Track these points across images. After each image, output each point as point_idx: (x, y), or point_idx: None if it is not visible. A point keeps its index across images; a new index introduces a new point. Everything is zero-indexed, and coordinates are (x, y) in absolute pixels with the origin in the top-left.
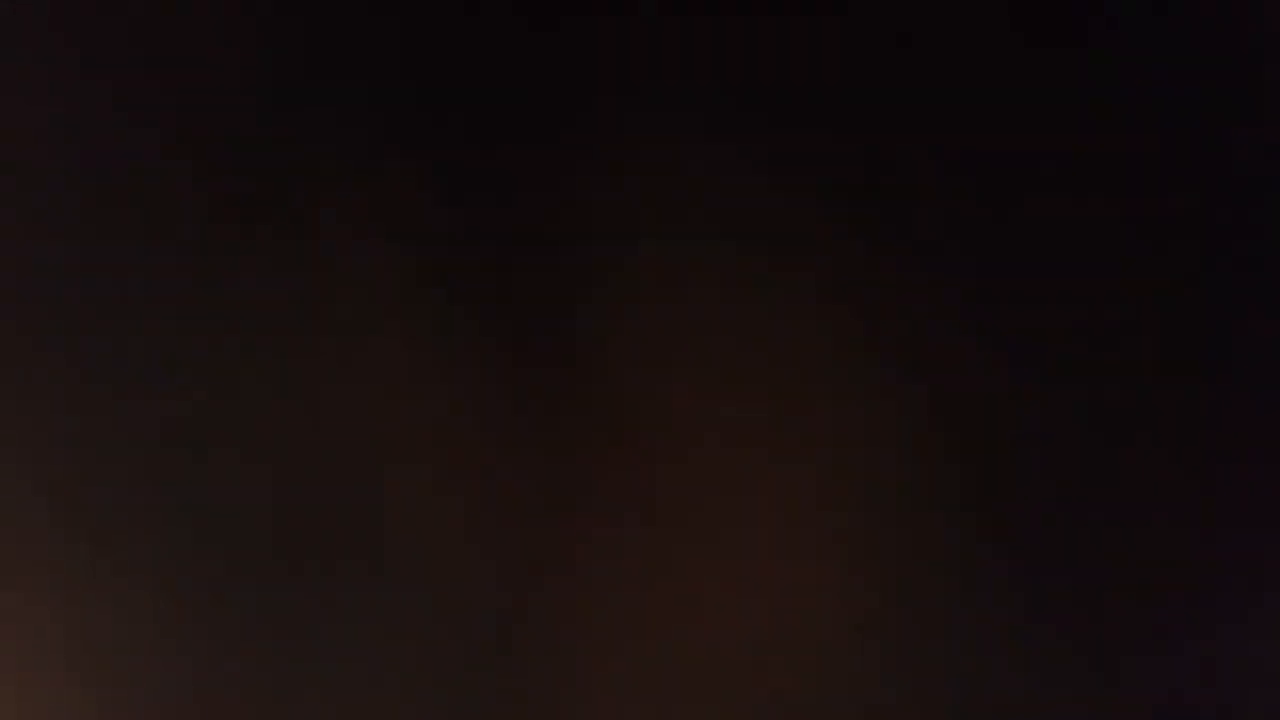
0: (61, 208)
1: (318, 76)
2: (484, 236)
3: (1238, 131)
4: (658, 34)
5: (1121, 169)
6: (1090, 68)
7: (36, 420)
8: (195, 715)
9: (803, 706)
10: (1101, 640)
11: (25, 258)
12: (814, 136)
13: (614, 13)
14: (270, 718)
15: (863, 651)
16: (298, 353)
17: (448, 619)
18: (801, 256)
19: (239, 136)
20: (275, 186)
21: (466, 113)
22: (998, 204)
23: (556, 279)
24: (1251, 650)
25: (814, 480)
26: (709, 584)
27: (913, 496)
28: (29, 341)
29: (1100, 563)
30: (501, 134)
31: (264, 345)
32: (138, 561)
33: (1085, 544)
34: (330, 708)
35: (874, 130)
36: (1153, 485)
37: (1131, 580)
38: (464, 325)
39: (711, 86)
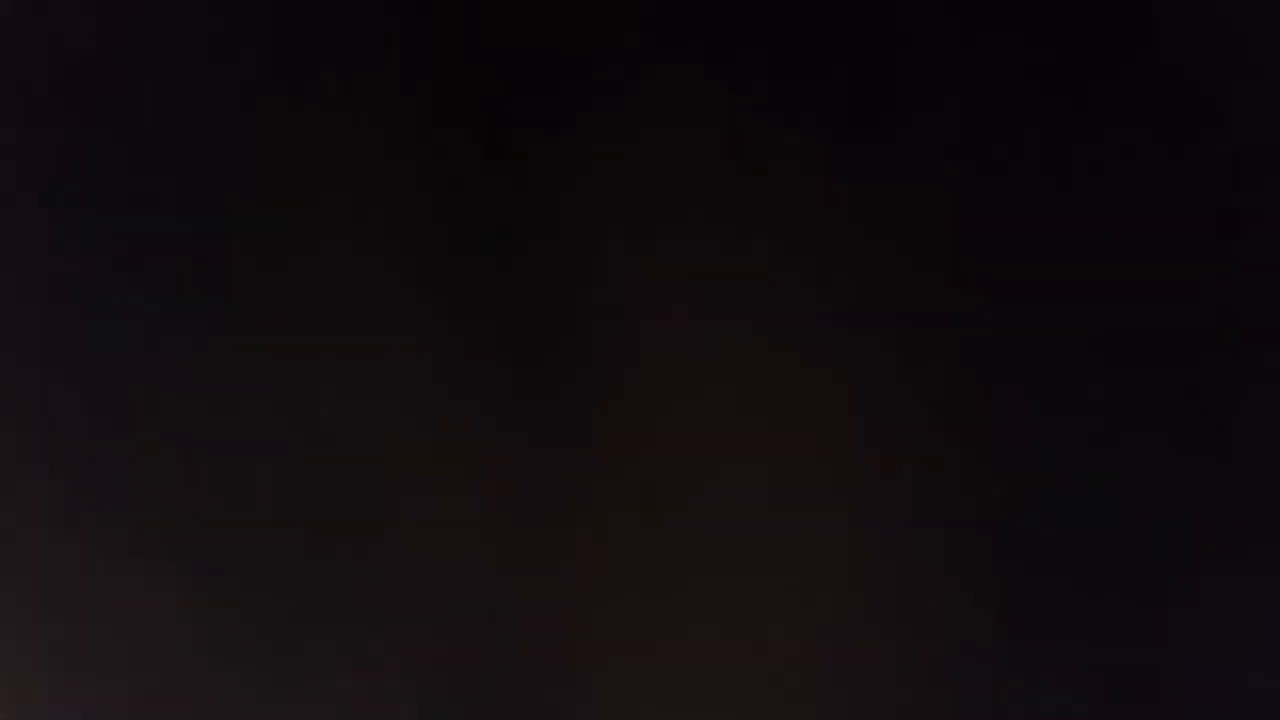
0: (61, 211)
1: (316, 76)
2: (484, 237)
3: (1239, 131)
4: (659, 33)
5: (1123, 169)
6: (1090, 67)
7: (37, 423)
8: (195, 716)
9: (804, 708)
10: (1106, 644)
11: (27, 261)
12: (816, 138)
13: (616, 8)
14: (270, 718)
15: (864, 653)
16: (296, 353)
17: (447, 620)
18: (804, 258)
19: (237, 136)
20: (274, 187)
21: (466, 111)
22: (1000, 206)
23: (558, 280)
24: (1258, 653)
25: (816, 481)
26: (710, 585)
27: (915, 498)
28: (31, 344)
29: (1104, 565)
30: (501, 133)
31: (262, 345)
32: (137, 564)
33: (1089, 546)
34: (329, 709)
35: (876, 131)
36: (1158, 489)
37: (1136, 583)
38: (464, 326)
39: (714, 87)
